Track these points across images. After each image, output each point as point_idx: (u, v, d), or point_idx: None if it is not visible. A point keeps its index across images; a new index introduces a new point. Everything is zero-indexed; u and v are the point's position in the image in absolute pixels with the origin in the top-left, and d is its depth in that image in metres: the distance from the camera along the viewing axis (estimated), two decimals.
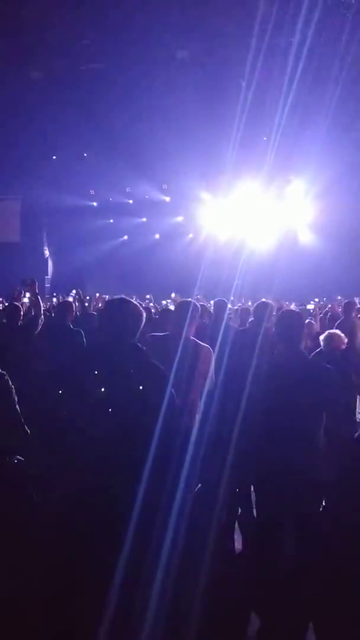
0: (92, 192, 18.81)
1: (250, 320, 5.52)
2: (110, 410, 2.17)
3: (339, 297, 10.45)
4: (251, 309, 6.38)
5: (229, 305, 6.96)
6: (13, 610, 2.34)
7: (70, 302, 6.43)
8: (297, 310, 6.27)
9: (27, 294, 6.43)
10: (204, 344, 3.56)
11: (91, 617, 2.11)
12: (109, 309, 2.55)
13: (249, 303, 10.93)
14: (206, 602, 2.60)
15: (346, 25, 8.75)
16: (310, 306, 11.01)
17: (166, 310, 6.73)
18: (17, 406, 2.70)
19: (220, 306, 5.73)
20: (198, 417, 3.38)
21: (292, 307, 10.16)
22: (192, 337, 3.46)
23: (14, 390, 2.72)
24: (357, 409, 5.09)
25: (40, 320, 4.96)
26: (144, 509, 2.06)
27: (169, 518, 2.19)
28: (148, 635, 2.14)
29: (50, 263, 18.87)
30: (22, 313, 5.34)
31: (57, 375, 3.51)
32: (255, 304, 5.38)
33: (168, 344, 3.34)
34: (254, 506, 3.54)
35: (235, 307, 8.80)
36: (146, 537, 2.12)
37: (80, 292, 8.39)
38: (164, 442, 2.14)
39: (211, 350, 3.55)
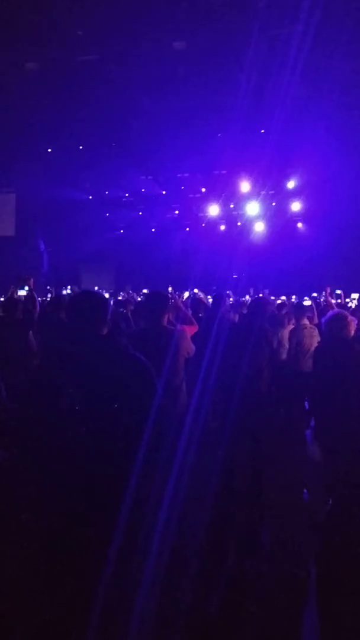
0: (87, 185, 18.69)
1: (245, 313, 5.51)
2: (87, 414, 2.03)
3: (339, 292, 10.38)
4: (247, 303, 6.37)
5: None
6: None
7: (64, 297, 6.39)
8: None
9: (25, 288, 6.37)
10: (172, 327, 3.72)
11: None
12: (73, 302, 2.40)
13: (246, 297, 10.88)
14: None
15: (349, 17, 8.60)
16: (307, 302, 10.92)
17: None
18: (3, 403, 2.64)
19: (217, 300, 5.74)
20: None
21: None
22: (165, 325, 3.60)
23: (2, 385, 2.66)
24: None
25: (35, 315, 4.93)
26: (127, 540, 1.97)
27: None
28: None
29: (45, 257, 18.76)
30: (18, 308, 5.29)
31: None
32: (252, 299, 5.41)
33: (147, 335, 3.46)
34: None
35: (231, 302, 8.75)
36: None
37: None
38: (154, 442, 2.04)
39: (182, 330, 3.70)
